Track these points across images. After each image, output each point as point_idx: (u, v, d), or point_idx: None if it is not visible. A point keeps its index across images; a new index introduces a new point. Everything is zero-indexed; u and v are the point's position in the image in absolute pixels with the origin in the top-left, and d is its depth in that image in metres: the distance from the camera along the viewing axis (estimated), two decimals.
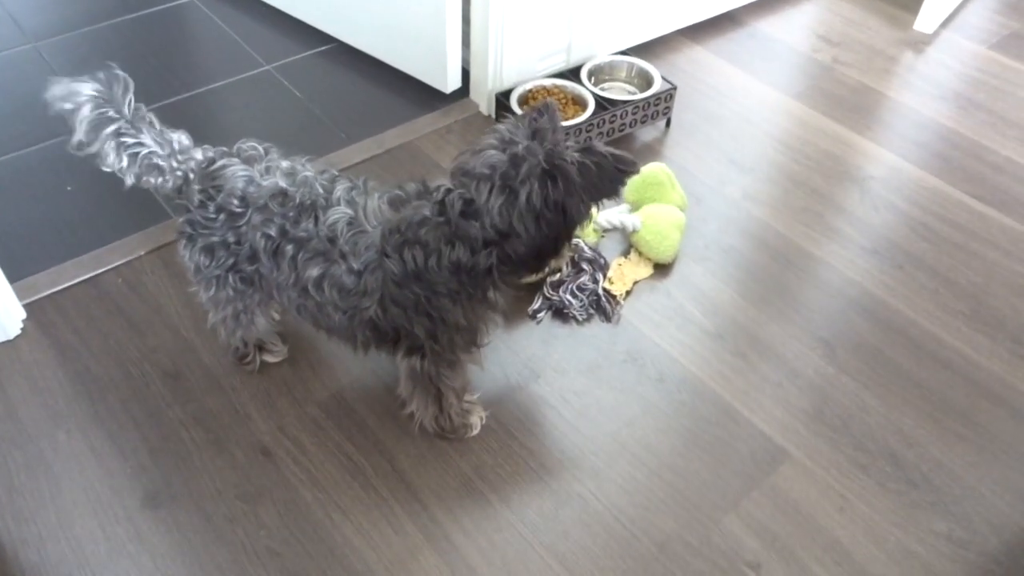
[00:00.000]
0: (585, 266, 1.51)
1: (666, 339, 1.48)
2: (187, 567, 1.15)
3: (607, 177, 1.08)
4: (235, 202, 1.14)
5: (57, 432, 1.29)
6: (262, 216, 1.14)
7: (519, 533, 1.20)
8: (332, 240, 1.12)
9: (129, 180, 1.16)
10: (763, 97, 2.05)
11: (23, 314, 1.44)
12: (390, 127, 1.89)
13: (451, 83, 1.94)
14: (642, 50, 2.10)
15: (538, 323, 1.49)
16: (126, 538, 1.17)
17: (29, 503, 1.21)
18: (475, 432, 1.31)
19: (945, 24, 2.35)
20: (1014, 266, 1.65)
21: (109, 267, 1.54)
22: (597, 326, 1.49)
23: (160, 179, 1.16)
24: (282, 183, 1.15)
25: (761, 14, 2.33)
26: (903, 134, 1.97)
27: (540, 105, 1.11)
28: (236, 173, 1.16)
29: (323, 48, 2.11)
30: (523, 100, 1.84)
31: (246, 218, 1.14)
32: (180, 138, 1.19)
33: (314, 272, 1.12)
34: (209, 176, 1.16)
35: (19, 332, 1.42)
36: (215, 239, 1.17)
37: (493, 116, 1.88)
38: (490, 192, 1.05)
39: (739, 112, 2.00)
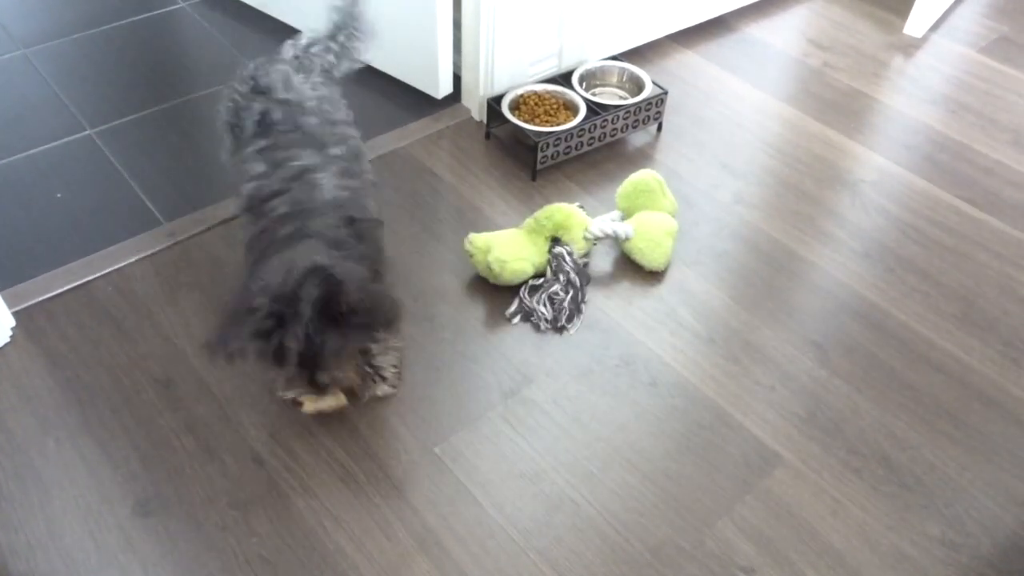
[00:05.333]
0: (561, 276, 1.51)
1: (659, 344, 1.48)
2: (178, 575, 1.14)
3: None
4: None
5: (47, 440, 1.28)
6: None
7: (512, 539, 1.20)
8: None
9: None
10: (754, 101, 2.06)
11: (12, 322, 1.43)
12: (382, 132, 1.89)
13: (442, 89, 1.94)
14: (633, 55, 2.10)
15: (513, 325, 1.48)
16: (117, 547, 1.17)
17: (18, 512, 1.20)
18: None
19: (934, 28, 2.36)
20: (1004, 268, 1.66)
21: (99, 274, 1.53)
22: (589, 331, 1.49)
23: None
24: None
25: (752, 18, 2.34)
26: (893, 137, 1.97)
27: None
28: None
29: None
30: (514, 105, 1.84)
31: None
32: None
33: None
34: None
35: (8, 340, 1.41)
36: None
37: (484, 121, 1.88)
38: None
39: (730, 116, 2.01)
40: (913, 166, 1.89)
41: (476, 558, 1.17)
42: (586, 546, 1.20)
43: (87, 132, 1.85)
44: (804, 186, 1.83)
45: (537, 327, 1.48)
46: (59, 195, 1.70)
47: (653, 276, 1.60)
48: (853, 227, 1.73)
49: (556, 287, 1.50)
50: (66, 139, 1.83)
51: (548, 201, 1.65)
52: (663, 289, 1.58)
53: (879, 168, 1.89)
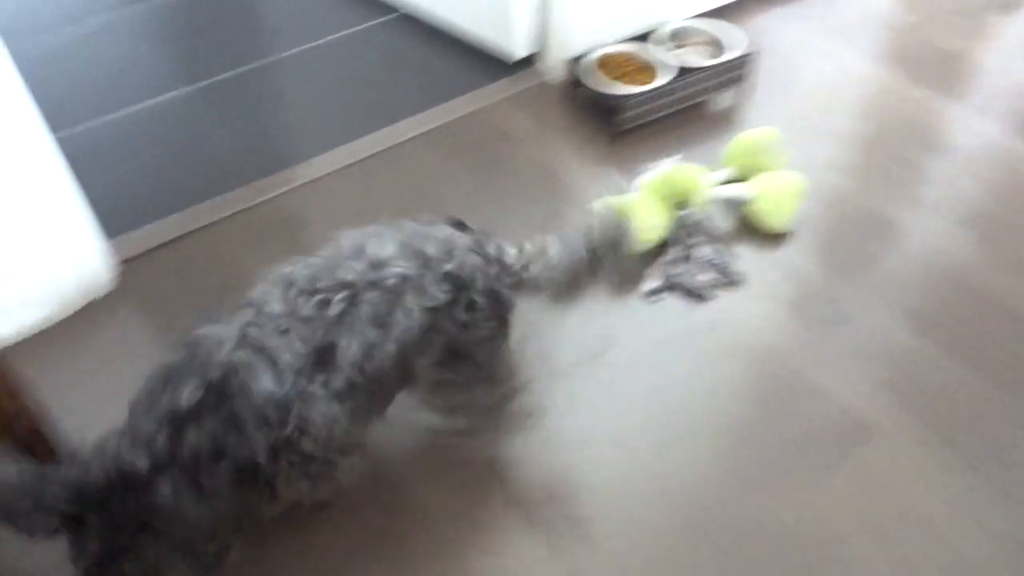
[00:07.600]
0: (702, 242, 1.49)
1: (746, 310, 1.44)
2: None
3: None
4: None
5: None
6: None
7: (588, 507, 1.19)
8: None
9: None
10: (843, 62, 1.98)
11: (115, 271, 1.48)
12: (458, 96, 1.87)
13: (520, 50, 1.91)
14: (716, 15, 2.03)
15: (654, 303, 1.45)
16: None
17: None
18: None
19: None
20: None
21: (196, 228, 1.57)
22: (674, 296, 1.46)
23: None
24: None
25: None
26: (991, 99, 1.88)
27: None
28: None
29: (386, 18, 2.10)
30: (594, 66, 1.80)
31: None
32: None
33: None
34: None
35: (112, 288, 1.47)
36: None
37: (563, 83, 1.85)
38: None
39: (818, 78, 1.93)
40: (1013, 130, 1.80)
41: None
42: (683, 521, 1.18)
43: (185, 89, 1.88)
44: (896, 150, 1.75)
45: (701, 297, 1.45)
46: (159, 151, 1.74)
47: (739, 241, 1.55)
48: (948, 192, 1.66)
49: (706, 250, 1.48)
50: (164, 96, 1.87)
51: (630, 166, 1.62)
52: (752, 254, 1.53)
53: (977, 132, 1.80)
